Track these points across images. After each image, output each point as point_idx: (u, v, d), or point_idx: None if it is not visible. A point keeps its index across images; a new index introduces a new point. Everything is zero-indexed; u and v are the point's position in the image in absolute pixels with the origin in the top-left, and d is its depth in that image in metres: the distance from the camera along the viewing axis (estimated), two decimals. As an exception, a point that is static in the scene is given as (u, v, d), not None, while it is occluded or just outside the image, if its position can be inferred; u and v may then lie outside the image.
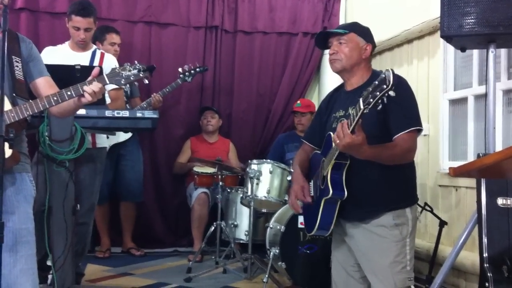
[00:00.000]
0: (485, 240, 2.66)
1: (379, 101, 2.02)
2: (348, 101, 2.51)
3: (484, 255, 2.63)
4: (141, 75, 2.37)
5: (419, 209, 3.63)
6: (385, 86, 1.99)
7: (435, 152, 4.11)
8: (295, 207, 2.68)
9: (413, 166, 2.55)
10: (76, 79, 2.36)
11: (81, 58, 3.75)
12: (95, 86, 2.28)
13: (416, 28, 4.30)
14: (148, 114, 3.45)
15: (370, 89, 2.05)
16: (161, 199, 5.40)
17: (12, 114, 2.17)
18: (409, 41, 4.52)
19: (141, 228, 5.19)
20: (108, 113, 3.34)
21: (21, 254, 2.23)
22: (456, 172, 1.88)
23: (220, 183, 4.57)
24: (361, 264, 2.51)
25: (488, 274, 2.58)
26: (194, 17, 5.40)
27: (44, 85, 2.39)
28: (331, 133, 2.43)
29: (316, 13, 5.65)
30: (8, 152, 2.13)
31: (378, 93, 2.01)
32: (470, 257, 3.44)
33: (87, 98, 2.28)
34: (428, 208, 3.75)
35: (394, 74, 1.99)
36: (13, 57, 2.28)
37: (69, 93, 2.26)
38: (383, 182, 2.43)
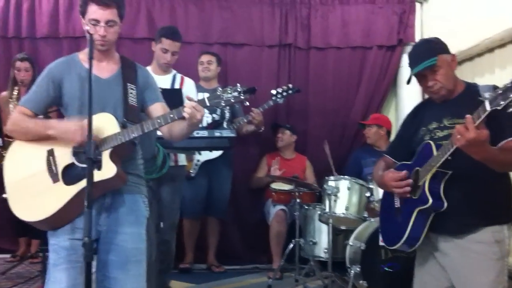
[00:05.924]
0: None
1: (511, 103, 1.94)
2: (441, 113, 2.45)
3: None
4: (241, 97, 2.36)
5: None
6: None
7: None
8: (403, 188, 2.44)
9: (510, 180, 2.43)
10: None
11: (163, 81, 3.88)
12: (191, 102, 2.29)
13: (497, 36, 4.14)
14: (226, 133, 3.52)
15: (500, 91, 1.96)
16: (239, 216, 5.46)
17: (120, 137, 2.27)
18: (490, 50, 4.35)
19: (220, 245, 5.24)
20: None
21: (132, 273, 2.33)
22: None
23: (298, 200, 4.56)
24: (456, 285, 2.37)
25: None
26: (268, 36, 5.48)
27: (158, 110, 2.46)
28: (430, 141, 2.38)
29: (391, 25, 5.54)
30: (111, 171, 2.21)
31: None
32: None
33: (188, 113, 2.25)
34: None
35: None
36: (128, 84, 2.41)
37: (171, 115, 2.32)
38: (482, 194, 2.32)
